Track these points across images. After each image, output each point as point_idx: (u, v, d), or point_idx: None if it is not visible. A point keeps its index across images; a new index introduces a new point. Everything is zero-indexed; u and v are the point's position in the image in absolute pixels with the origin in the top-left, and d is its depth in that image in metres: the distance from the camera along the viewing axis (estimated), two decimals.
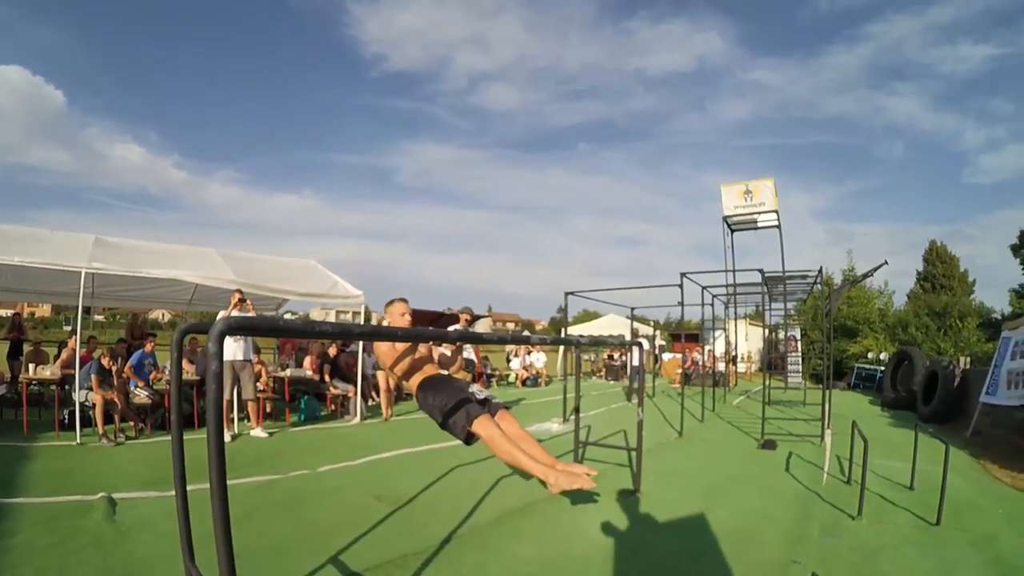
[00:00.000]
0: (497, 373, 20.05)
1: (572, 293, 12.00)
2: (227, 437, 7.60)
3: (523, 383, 19.27)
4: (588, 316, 32.21)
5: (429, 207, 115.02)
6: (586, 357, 26.02)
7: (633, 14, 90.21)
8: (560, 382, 19.34)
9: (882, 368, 19.80)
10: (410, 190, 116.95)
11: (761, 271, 11.42)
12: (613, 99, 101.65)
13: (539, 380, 19.61)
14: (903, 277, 62.14)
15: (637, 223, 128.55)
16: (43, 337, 10.01)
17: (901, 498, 6.12)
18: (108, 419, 8.08)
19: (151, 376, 9.35)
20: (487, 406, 3.39)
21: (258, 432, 8.60)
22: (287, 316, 15.23)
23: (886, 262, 11.48)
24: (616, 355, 23.77)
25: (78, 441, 7.63)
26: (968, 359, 16.62)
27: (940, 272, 32.85)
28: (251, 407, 8.76)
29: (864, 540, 4.80)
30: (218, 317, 7.17)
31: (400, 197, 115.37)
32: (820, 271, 11.57)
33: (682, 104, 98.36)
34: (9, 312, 12.67)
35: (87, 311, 11.84)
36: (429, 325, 13.95)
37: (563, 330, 14.00)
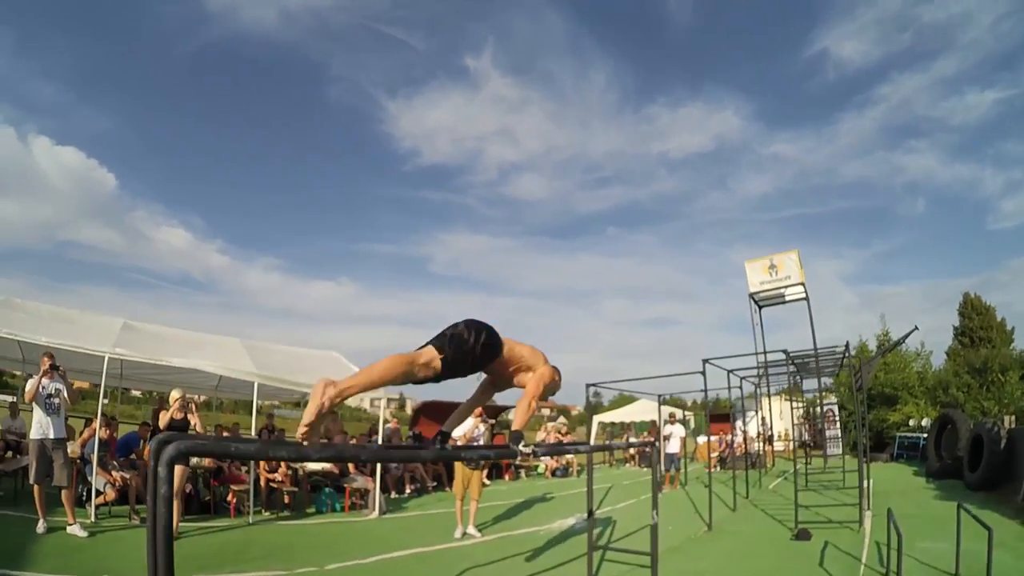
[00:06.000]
0: (526, 463, 19.43)
1: (593, 385, 11.81)
2: (41, 527, 6.92)
3: (553, 474, 18.69)
4: (624, 400, 31.28)
5: (461, 294, 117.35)
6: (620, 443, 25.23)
7: (653, 100, 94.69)
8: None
9: (925, 435, 18.87)
10: (443, 278, 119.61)
11: (786, 351, 11.13)
12: (638, 183, 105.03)
13: (569, 470, 19.00)
14: (940, 333, 60.37)
15: (667, 303, 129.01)
16: (79, 408, 10.07)
17: None
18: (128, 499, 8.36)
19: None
20: None
21: (75, 530, 7.05)
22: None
23: (916, 327, 11.22)
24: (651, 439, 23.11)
25: (92, 520, 7.68)
26: (1013, 417, 15.83)
27: (977, 324, 31.88)
28: (65, 497, 7.16)
29: None
30: (27, 386, 7.10)
31: (434, 285, 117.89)
32: (847, 346, 11.24)
33: (705, 183, 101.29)
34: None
35: (125, 390, 11.62)
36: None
37: (588, 423, 13.75)
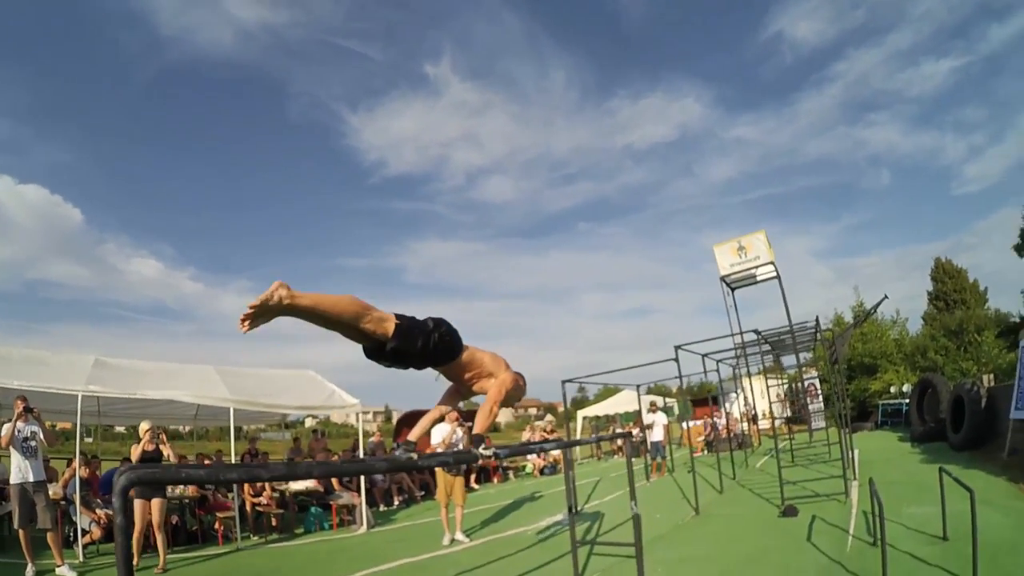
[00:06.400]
0: (514, 464, 19.41)
1: (569, 380, 11.69)
2: (30, 572, 6.90)
3: (541, 472, 18.63)
4: (609, 392, 31.29)
5: (439, 302, 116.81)
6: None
7: (613, 94, 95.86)
8: (579, 465, 18.69)
9: (907, 401, 19.09)
10: (419, 287, 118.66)
11: (757, 331, 11.15)
12: (605, 177, 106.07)
13: (557, 467, 18.89)
14: (915, 300, 61.35)
15: (644, 293, 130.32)
16: (64, 448, 10.15)
17: (934, 553, 5.66)
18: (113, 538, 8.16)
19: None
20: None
21: (64, 571, 7.08)
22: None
23: (886, 296, 11.34)
24: (635, 431, 23.17)
25: (80, 560, 7.65)
26: (992, 376, 16.03)
27: (951, 288, 32.23)
28: (51, 540, 7.17)
29: None
30: (2, 431, 6.99)
31: (410, 295, 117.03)
32: (817, 321, 11.30)
33: (671, 172, 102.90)
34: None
35: (107, 427, 11.44)
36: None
37: (567, 420, 13.65)
